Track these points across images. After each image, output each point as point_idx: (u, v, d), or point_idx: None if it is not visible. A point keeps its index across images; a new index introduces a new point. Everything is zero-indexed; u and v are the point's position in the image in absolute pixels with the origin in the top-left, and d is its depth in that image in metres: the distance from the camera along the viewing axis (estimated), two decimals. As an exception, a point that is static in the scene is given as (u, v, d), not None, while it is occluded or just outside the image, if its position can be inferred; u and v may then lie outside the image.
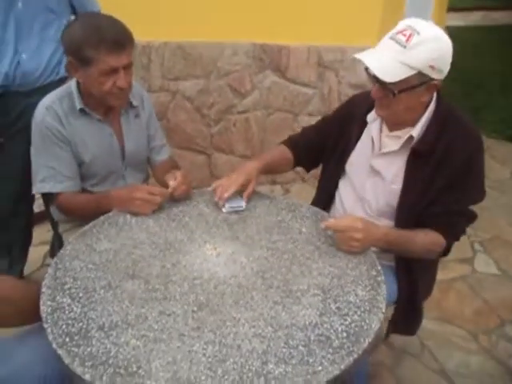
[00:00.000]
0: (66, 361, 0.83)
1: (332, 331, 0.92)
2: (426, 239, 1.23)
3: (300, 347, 0.88)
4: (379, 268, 1.11)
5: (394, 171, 1.28)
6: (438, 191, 1.22)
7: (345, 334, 0.91)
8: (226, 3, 2.74)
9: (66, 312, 0.94)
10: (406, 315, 1.38)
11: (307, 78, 2.89)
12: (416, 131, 1.22)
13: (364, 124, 1.36)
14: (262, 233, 1.23)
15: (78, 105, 1.39)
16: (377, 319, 0.95)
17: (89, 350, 0.85)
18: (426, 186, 1.23)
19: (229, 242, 1.19)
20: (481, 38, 7.22)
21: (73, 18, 1.80)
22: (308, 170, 1.60)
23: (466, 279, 2.30)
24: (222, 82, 2.94)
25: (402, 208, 1.27)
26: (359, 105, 1.39)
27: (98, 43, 1.24)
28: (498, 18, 8.65)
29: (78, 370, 0.81)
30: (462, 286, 2.25)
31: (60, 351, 0.84)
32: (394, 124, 1.28)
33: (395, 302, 1.36)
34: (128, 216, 1.28)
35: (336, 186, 1.46)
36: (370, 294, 1.02)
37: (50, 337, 0.88)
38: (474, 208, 1.27)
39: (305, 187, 3.05)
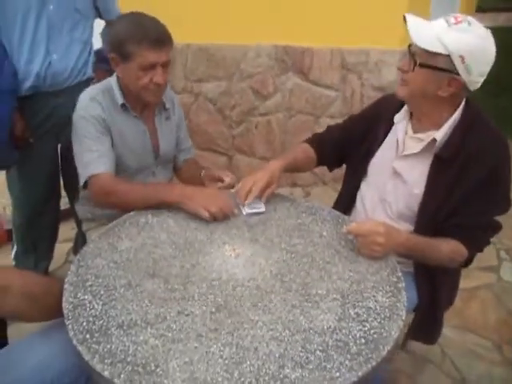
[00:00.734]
0: (86, 357, 0.84)
1: (350, 337, 0.90)
2: (447, 247, 1.20)
3: (317, 352, 0.87)
4: (400, 274, 1.09)
5: (415, 175, 1.26)
6: (462, 199, 1.19)
7: (363, 341, 0.90)
8: (248, 5, 2.76)
9: (87, 309, 0.95)
10: (424, 324, 1.35)
11: (330, 80, 2.87)
12: (440, 134, 1.20)
13: (390, 125, 1.35)
14: (282, 235, 1.23)
15: (120, 100, 1.43)
16: (396, 326, 0.93)
17: (108, 347, 0.86)
18: (449, 191, 1.20)
19: (248, 243, 1.19)
20: (510, 38, 7.03)
21: (97, 20, 1.85)
22: (330, 168, 1.59)
23: (491, 288, 2.23)
24: (245, 83, 2.95)
25: (422, 213, 1.25)
26: (387, 106, 1.38)
27: (141, 39, 1.30)
28: (529, 19, 8.41)
29: (98, 367, 0.82)
30: (486, 294, 2.19)
31: (80, 347, 0.86)
32: (415, 119, 1.27)
33: (414, 309, 1.33)
34: (149, 215, 1.29)
35: (358, 187, 1.45)
36: (390, 301, 1.01)
37: (71, 333, 0.89)
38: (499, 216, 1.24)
39: (325, 190, 3.03)
